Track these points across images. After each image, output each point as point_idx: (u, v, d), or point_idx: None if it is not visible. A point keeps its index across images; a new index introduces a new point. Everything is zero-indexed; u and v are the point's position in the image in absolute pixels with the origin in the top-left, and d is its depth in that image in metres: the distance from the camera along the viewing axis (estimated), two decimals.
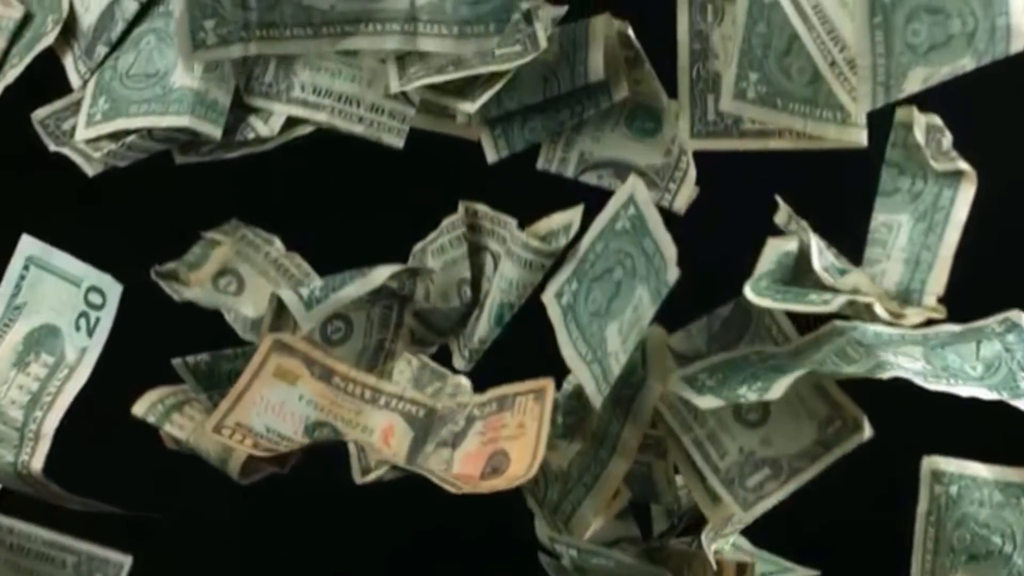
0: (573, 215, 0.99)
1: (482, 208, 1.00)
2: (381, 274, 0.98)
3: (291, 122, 1.00)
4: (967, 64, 0.88)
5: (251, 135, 1.00)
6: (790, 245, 0.96)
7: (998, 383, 0.91)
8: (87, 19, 0.98)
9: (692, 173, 1.04)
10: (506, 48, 0.95)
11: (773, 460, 0.95)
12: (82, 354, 0.95)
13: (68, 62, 0.99)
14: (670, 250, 0.86)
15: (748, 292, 0.91)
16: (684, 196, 1.04)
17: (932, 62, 0.88)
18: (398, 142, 1.01)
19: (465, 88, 0.96)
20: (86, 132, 0.98)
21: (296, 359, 0.95)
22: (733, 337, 0.99)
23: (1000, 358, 0.92)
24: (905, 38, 0.88)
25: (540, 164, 1.04)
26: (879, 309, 0.93)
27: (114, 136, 0.98)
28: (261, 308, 1.02)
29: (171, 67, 0.97)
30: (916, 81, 0.89)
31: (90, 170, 0.99)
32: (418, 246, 1.06)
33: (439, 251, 1.02)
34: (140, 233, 1.21)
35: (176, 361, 0.95)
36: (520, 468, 0.90)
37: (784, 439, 0.95)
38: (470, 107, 0.96)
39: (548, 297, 0.94)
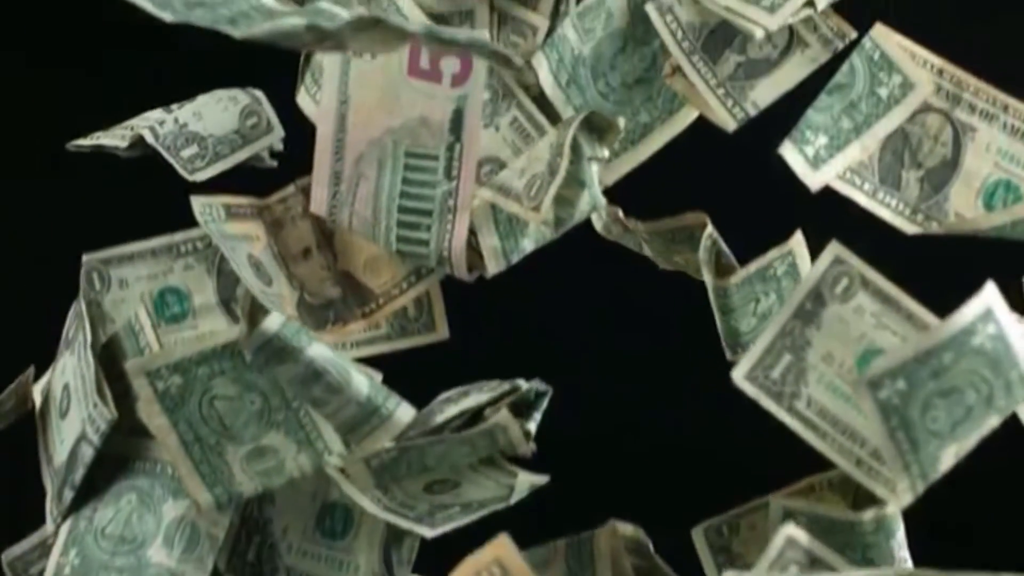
0: None
1: None
2: None
3: None
4: (994, 422, 0.88)
5: None
6: None
7: None
8: (61, 454, 0.95)
9: None
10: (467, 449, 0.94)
11: None
12: None
13: (48, 494, 0.96)
14: None
15: None
16: None
17: (959, 436, 0.88)
18: None
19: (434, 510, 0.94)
20: None
21: None
22: None
23: None
24: (927, 427, 0.87)
25: None
26: None
27: None
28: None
29: (149, 537, 0.94)
30: (950, 458, 0.88)
31: None
32: None
33: None
34: None
35: None
36: None
37: None
38: (429, 532, 0.92)
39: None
